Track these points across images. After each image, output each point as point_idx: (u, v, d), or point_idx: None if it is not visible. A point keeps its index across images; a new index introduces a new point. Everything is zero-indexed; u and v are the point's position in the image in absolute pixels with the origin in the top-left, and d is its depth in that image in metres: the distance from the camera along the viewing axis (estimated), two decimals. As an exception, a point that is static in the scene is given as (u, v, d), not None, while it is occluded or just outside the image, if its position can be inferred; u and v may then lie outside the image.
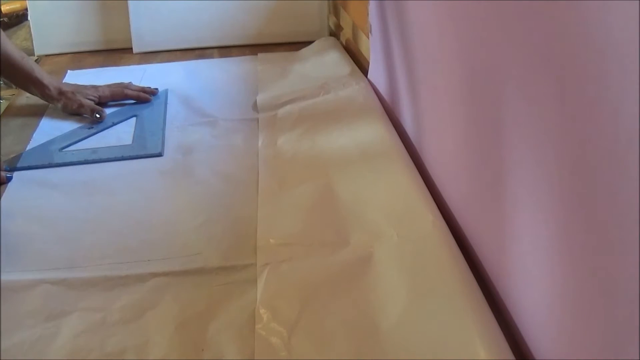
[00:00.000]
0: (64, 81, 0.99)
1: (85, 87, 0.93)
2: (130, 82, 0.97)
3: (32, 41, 1.17)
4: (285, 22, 1.17)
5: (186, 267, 0.58)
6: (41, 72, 0.89)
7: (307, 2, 1.17)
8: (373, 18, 0.85)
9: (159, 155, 0.78)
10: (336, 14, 1.19)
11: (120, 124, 0.88)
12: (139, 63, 1.11)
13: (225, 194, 0.70)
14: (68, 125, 0.88)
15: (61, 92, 0.89)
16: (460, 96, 0.54)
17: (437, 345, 0.46)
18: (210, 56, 1.14)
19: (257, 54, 1.12)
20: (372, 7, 0.85)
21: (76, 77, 1.04)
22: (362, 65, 0.98)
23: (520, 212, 0.44)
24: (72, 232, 0.64)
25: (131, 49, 1.15)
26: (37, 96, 0.90)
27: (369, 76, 0.92)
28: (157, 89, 0.97)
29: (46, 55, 1.17)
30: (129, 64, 1.11)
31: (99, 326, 0.52)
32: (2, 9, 1.46)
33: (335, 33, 1.19)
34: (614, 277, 0.33)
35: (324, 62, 1.03)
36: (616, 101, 0.30)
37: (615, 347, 0.34)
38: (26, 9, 1.21)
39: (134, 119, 0.89)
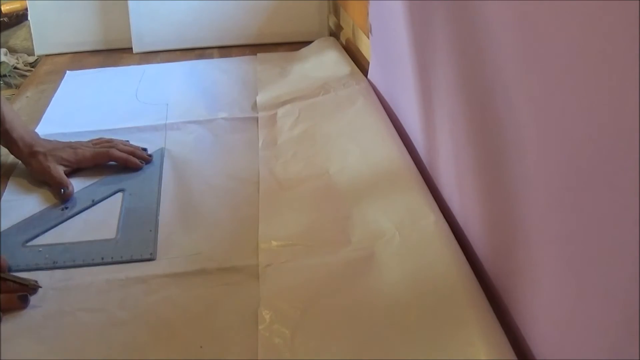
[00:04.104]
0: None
1: (64, 147, 0.74)
2: (122, 141, 0.78)
3: (32, 41, 1.17)
4: (285, 22, 1.17)
5: (186, 267, 0.58)
6: (14, 124, 0.72)
7: (307, 2, 1.17)
8: (373, 18, 0.85)
9: (150, 259, 0.60)
10: (336, 14, 1.19)
11: (104, 201, 0.70)
12: (139, 63, 1.11)
13: (225, 194, 0.70)
14: (37, 198, 0.70)
15: (32, 153, 0.72)
16: (461, 95, 0.53)
17: (437, 345, 0.46)
18: (210, 56, 1.13)
19: (256, 54, 1.12)
20: (372, 7, 0.85)
21: (76, 77, 1.04)
22: (362, 65, 0.98)
23: (525, 211, 0.44)
24: (72, 233, 0.64)
25: (131, 49, 1.15)
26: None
27: (369, 76, 0.92)
28: (151, 155, 0.77)
29: (46, 55, 1.17)
30: (129, 64, 1.10)
31: (99, 326, 0.51)
32: (2, 8, 1.46)
33: (335, 33, 1.19)
34: (615, 278, 0.33)
35: (323, 62, 1.02)
36: None
37: (615, 347, 0.34)
38: (26, 9, 1.21)
39: (120, 194, 0.71)
